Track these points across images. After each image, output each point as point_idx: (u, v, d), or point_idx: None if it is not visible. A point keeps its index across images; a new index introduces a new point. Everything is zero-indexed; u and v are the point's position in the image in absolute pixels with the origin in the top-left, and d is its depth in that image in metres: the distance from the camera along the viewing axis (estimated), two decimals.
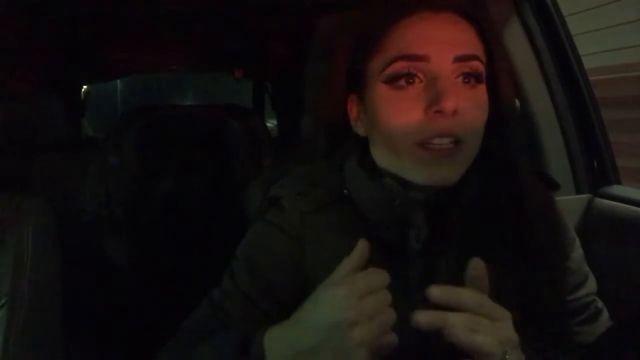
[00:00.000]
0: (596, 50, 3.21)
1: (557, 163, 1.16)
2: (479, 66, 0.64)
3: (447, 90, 0.61)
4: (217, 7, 1.80)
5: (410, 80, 0.64)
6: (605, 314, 0.75)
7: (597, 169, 1.17)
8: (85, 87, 2.89)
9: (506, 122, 0.69)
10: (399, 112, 0.64)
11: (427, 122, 0.62)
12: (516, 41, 1.16)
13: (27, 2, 1.53)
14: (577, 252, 0.75)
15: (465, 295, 0.55)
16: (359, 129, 0.72)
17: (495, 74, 0.67)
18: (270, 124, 3.16)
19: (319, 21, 0.91)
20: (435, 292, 0.55)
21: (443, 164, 0.64)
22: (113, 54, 2.48)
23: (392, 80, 0.64)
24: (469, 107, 0.63)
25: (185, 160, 2.14)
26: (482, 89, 0.66)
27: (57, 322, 0.92)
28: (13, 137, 1.71)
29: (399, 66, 0.64)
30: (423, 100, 0.63)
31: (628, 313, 0.75)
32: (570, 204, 1.12)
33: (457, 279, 0.66)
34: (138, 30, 2.11)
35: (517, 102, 0.79)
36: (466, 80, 0.64)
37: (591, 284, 0.75)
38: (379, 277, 0.56)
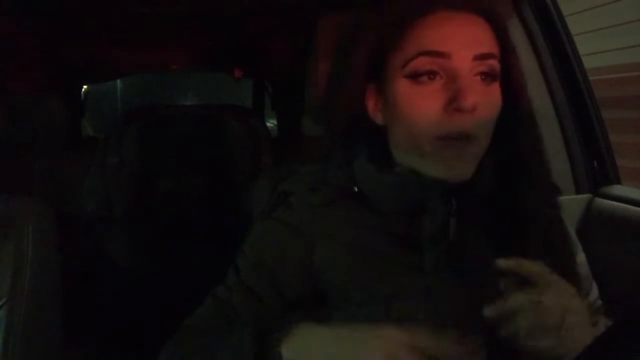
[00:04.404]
0: (596, 50, 3.21)
1: (557, 163, 1.16)
2: (495, 64, 0.66)
3: (467, 88, 0.63)
4: (217, 7, 1.80)
5: (432, 77, 0.65)
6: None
7: (597, 169, 1.17)
8: (85, 87, 2.89)
9: (518, 118, 0.71)
10: (419, 107, 0.65)
11: (446, 118, 0.64)
12: (516, 41, 1.16)
13: (28, 2, 1.53)
14: (581, 256, 0.76)
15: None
16: (378, 118, 0.73)
17: (509, 72, 0.69)
18: (270, 124, 3.16)
19: (325, 18, 0.91)
20: (502, 263, 0.59)
21: (458, 159, 0.65)
22: (113, 54, 2.48)
23: (413, 76, 0.66)
24: (485, 104, 0.65)
25: (185, 160, 2.14)
26: (496, 86, 0.67)
27: (57, 322, 0.92)
28: (13, 136, 1.71)
29: (421, 62, 0.65)
30: (442, 96, 0.64)
31: (628, 313, 0.75)
32: (570, 204, 1.12)
33: (470, 268, 0.66)
34: (138, 30, 2.11)
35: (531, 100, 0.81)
36: (483, 77, 0.66)
37: (595, 289, 0.76)
38: None
